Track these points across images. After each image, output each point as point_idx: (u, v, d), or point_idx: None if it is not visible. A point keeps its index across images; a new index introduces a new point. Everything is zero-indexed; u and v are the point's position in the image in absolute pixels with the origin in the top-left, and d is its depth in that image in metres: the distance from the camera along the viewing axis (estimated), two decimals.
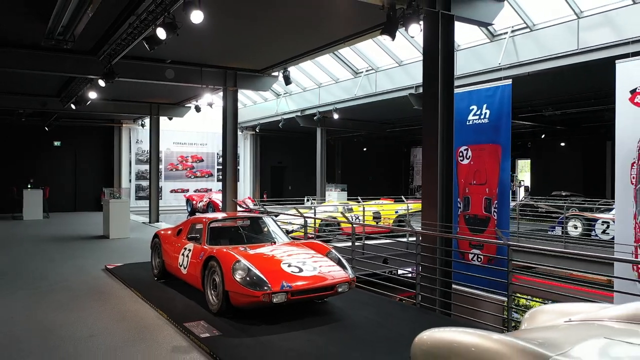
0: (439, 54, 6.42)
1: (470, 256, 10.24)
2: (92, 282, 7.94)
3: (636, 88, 7.75)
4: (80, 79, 12.11)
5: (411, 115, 17.93)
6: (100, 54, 9.70)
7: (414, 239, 7.91)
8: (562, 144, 23.48)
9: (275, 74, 12.48)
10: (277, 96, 20.68)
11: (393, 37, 6.22)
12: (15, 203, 19.15)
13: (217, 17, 7.99)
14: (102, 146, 23.20)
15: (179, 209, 23.50)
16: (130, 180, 23.52)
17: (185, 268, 6.64)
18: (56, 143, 21.96)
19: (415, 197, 22.01)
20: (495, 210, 9.86)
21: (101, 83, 9.93)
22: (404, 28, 6.07)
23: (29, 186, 19.08)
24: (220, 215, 7.92)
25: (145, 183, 23.57)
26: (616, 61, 8.01)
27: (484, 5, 6.94)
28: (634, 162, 7.76)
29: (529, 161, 29.72)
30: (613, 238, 8.82)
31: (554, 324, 3.23)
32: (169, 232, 7.72)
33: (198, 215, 8.46)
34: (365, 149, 29.51)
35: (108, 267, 8.95)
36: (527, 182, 30.62)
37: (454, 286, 8.07)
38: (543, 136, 22.06)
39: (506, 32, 12.16)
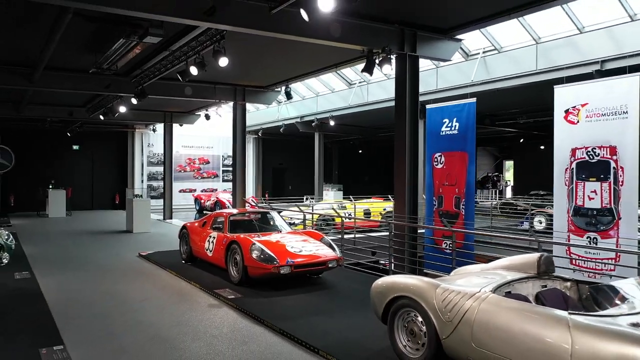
0: (406, 85, 8.32)
1: (444, 245, 12.13)
2: (132, 265, 9.83)
3: (568, 108, 9.65)
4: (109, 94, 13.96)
5: None
6: (132, 77, 11.57)
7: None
8: (542, 147, 25.33)
9: (278, 89, 14.38)
10: (278, 103, 22.48)
11: (371, 74, 8.09)
12: (39, 202, 21.05)
13: (232, 46, 9.77)
14: (116, 149, 25.07)
15: (187, 207, 25.32)
16: (142, 181, 25.37)
17: (211, 251, 8.53)
18: (75, 147, 23.82)
19: None
20: (463, 206, 11.76)
21: (134, 101, 11.81)
22: (380, 68, 7.92)
23: (50, 187, 21.00)
24: (236, 210, 9.82)
25: (155, 183, 25.48)
26: (554, 86, 9.92)
27: (443, 45, 8.80)
28: (567, 168, 9.67)
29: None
30: None
31: (462, 274, 5.12)
32: (195, 224, 9.60)
33: (216, 211, 10.29)
34: (360, 151, 31.38)
35: (141, 254, 10.83)
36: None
37: (426, 270, 10.01)
38: (522, 140, 23.93)
39: (478, 53, 14.05)
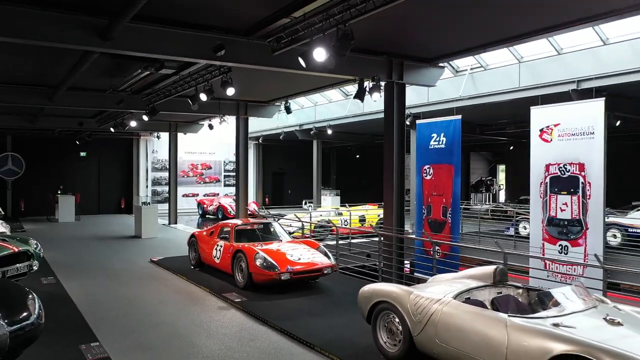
0: (394, 110, 9.25)
1: (432, 252, 13.06)
2: (146, 270, 10.75)
3: (543, 128, 10.59)
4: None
5: None
6: (143, 94, 12.49)
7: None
8: None
9: (279, 104, 15.33)
10: (278, 112, 23.41)
11: (362, 100, 9.02)
12: (49, 207, 21.99)
13: (237, 68, 10.63)
14: (122, 156, 26.02)
15: (190, 211, 26.23)
16: (147, 186, 26.31)
17: (218, 259, 9.46)
18: (82, 154, 24.75)
19: None
20: (450, 215, 12.70)
21: (145, 118, 12.75)
22: (370, 95, 8.84)
23: (59, 192, 21.94)
24: (240, 221, 10.75)
25: (159, 188, 26.44)
26: (530, 107, 10.86)
27: (427, 73, 9.74)
28: (542, 182, 10.61)
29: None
30: None
31: (436, 282, 6.04)
32: (204, 233, 10.53)
33: (222, 222, 11.20)
34: (358, 156, 32.33)
35: (153, 259, 11.74)
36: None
37: (416, 274, 10.97)
38: (512, 148, 24.88)
39: (466, 69, 14.99)
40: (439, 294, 5.03)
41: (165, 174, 25.64)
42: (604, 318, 4.20)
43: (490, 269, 5.41)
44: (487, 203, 28.97)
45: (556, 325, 4.07)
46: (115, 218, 22.95)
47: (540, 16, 7.81)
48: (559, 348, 3.74)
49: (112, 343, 6.04)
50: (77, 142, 23.02)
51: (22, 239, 9.28)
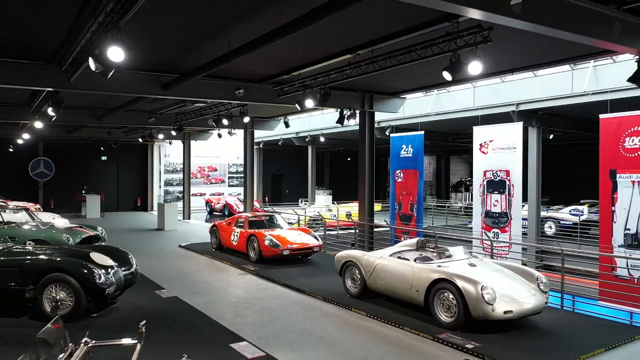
0: (366, 131, 12.49)
1: (402, 239, 16.28)
2: (177, 253, 13.96)
3: (482, 142, 13.86)
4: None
5: (384, 137, 24.03)
6: (172, 115, 15.69)
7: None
8: None
9: (279, 119, 18.56)
10: (277, 121, 26.60)
11: (342, 125, 12.21)
12: (75, 205, 25.16)
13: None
14: (137, 159, 29.19)
15: (198, 209, 29.38)
16: (160, 187, 29.50)
17: (235, 241, 12.67)
18: (103, 157, 27.92)
19: (380, 201, 28.20)
20: (415, 210, 15.95)
21: (173, 133, 15.94)
22: (347, 120, 12.07)
23: (83, 192, 25.11)
24: (250, 214, 13.97)
25: (171, 188, 29.64)
26: (473, 127, 14.13)
27: (392, 103, 12.98)
28: (481, 184, 13.88)
29: None
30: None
31: (385, 249, 9.26)
32: (223, 223, 13.74)
33: (237, 214, 14.39)
34: (349, 159, 35.56)
35: (180, 244, 14.94)
36: None
37: None
38: None
39: (433, 92, 18.24)
40: (381, 254, 8.28)
41: (176, 176, 28.89)
42: (468, 263, 7.47)
43: (415, 240, 8.66)
44: (464, 201, 32.31)
45: (439, 266, 7.32)
46: (134, 215, 26.13)
47: (435, 75, 11.11)
48: (435, 276, 7.00)
49: (174, 291, 9.26)
50: (102, 148, 26.18)
51: (91, 226, 12.47)
